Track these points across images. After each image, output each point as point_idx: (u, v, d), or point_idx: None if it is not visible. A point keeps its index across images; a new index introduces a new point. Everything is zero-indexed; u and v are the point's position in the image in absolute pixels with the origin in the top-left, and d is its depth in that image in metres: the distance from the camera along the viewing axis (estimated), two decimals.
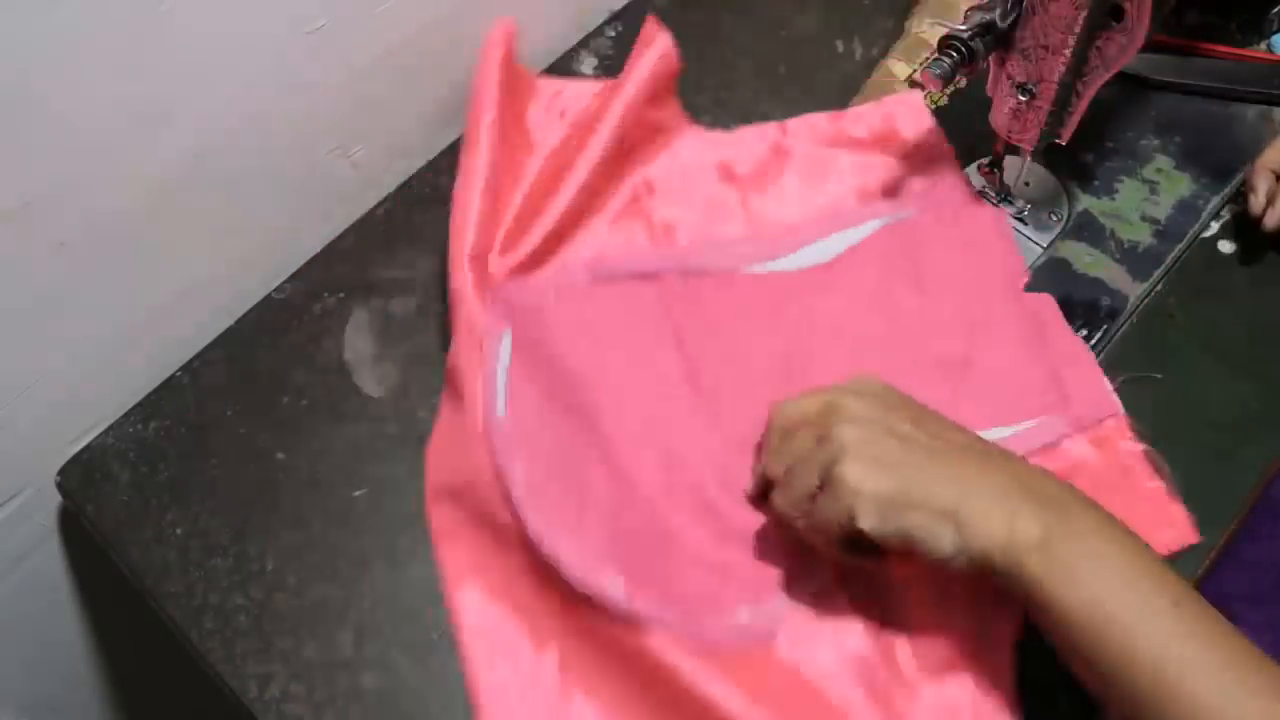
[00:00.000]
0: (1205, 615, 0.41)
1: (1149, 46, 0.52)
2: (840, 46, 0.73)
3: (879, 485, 0.45)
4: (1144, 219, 0.64)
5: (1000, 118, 0.58)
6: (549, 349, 0.59)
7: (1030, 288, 0.62)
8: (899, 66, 0.71)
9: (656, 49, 0.65)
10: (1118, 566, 0.42)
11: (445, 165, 0.67)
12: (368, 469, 0.59)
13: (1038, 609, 0.43)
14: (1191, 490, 0.56)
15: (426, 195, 0.67)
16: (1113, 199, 0.65)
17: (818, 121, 0.67)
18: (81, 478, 0.60)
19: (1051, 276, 0.63)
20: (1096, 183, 0.66)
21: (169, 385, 0.62)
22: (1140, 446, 0.56)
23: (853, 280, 0.61)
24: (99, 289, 0.56)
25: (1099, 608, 0.41)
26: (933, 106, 0.69)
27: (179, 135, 0.53)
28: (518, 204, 0.63)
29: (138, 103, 0.50)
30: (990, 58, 0.56)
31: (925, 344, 0.59)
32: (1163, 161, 0.66)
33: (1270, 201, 0.61)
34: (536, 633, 0.53)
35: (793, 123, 0.67)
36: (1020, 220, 0.64)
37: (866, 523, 0.45)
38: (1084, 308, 0.61)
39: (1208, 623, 0.41)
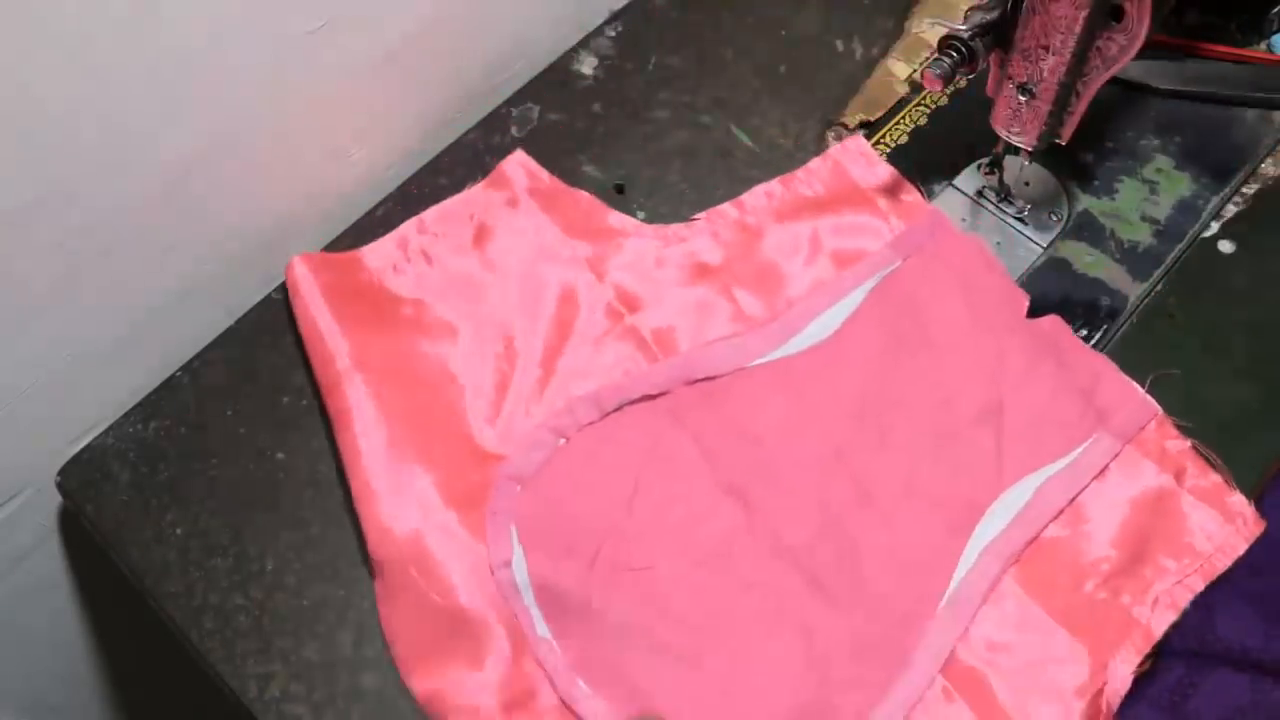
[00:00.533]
0: None
1: (1149, 46, 0.52)
2: (840, 46, 0.73)
3: None
4: (1144, 219, 0.64)
5: (1000, 118, 0.58)
6: (569, 508, 0.56)
7: (1030, 288, 0.62)
8: (899, 66, 0.71)
9: (516, 167, 0.64)
10: None
11: (445, 165, 0.67)
12: None
13: None
14: None
15: (426, 195, 0.67)
16: (1113, 199, 0.65)
17: (772, 189, 0.65)
18: (81, 478, 0.60)
19: (1051, 276, 0.63)
20: (1096, 183, 0.66)
21: (169, 385, 0.62)
22: (1188, 443, 0.56)
23: (862, 351, 0.59)
24: (99, 289, 0.56)
25: None
26: (933, 106, 0.69)
27: (179, 135, 0.53)
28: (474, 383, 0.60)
29: (137, 102, 0.50)
30: (990, 58, 0.56)
31: (953, 401, 0.57)
32: (1163, 161, 0.66)
33: None
34: None
35: (748, 197, 0.65)
36: (1020, 220, 0.65)
37: None
38: (1084, 308, 0.61)
39: None
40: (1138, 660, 0.51)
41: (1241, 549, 0.53)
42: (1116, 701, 0.50)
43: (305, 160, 0.61)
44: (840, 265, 0.62)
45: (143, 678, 0.82)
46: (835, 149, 0.66)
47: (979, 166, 0.66)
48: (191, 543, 0.57)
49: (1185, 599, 0.52)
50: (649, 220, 0.65)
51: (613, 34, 0.73)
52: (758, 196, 0.65)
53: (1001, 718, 0.50)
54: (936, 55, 0.55)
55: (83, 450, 0.60)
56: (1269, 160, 0.66)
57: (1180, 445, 0.56)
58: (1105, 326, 0.61)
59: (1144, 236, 0.64)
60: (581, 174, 0.68)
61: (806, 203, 0.65)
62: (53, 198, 0.50)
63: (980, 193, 0.66)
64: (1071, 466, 0.55)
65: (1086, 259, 0.63)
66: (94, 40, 0.46)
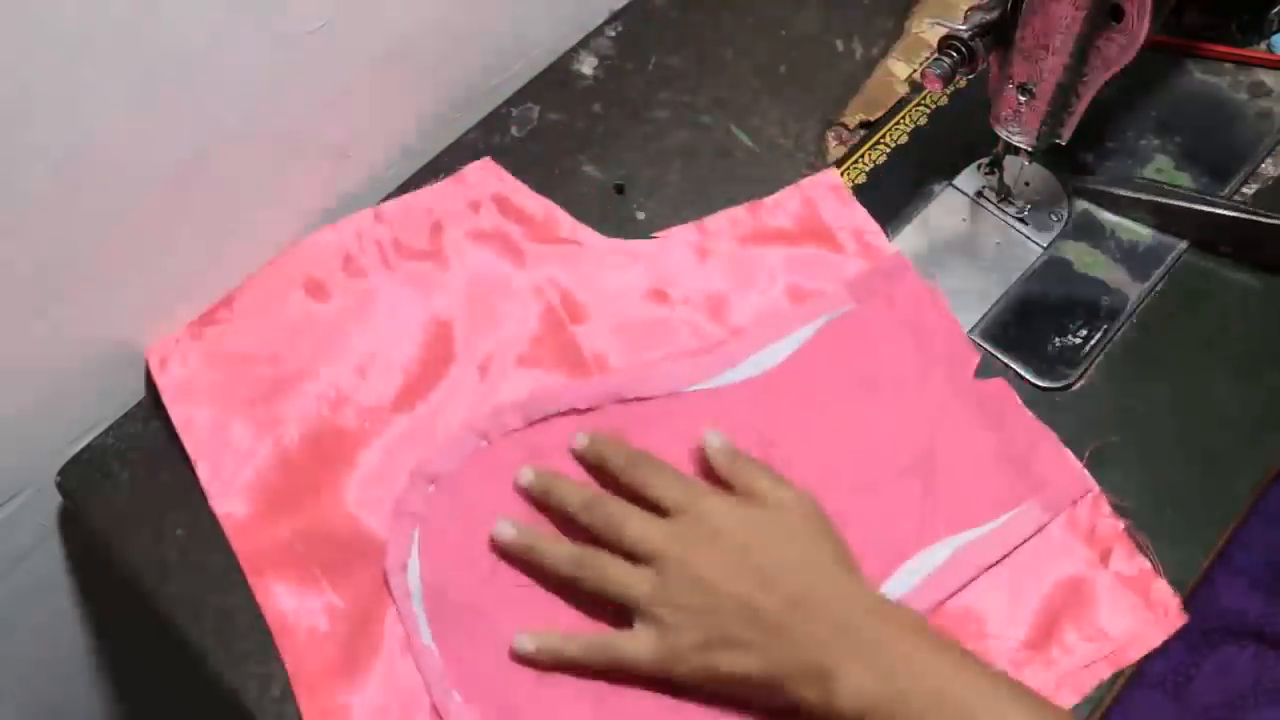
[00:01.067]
0: None
1: (1149, 46, 0.52)
2: (840, 46, 0.73)
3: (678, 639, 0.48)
4: (1145, 226, 0.64)
5: (1000, 118, 0.58)
6: (479, 512, 0.55)
7: (1030, 288, 0.62)
8: (899, 66, 0.71)
9: (482, 172, 0.65)
10: (931, 711, 0.44)
11: (445, 165, 0.67)
12: None
13: None
14: (1191, 491, 0.56)
15: None
16: None
17: (737, 215, 0.64)
18: (81, 478, 0.60)
19: (1051, 276, 0.63)
20: None
21: None
22: (1121, 524, 0.54)
23: (803, 389, 0.58)
24: (100, 289, 0.56)
25: None
26: (933, 106, 0.69)
27: (179, 135, 0.53)
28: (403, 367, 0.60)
29: (137, 103, 0.50)
30: (990, 58, 0.56)
31: (887, 450, 0.56)
32: (1163, 161, 0.66)
33: None
34: None
35: (710, 221, 0.64)
36: (1020, 220, 0.65)
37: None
38: (1084, 308, 0.61)
39: None
40: None
41: (1158, 641, 0.52)
42: None
43: (305, 160, 0.61)
44: (794, 300, 0.61)
45: (143, 678, 0.82)
46: (807, 181, 0.65)
47: (979, 166, 0.66)
48: (191, 543, 0.57)
49: (1090, 684, 0.51)
50: (650, 220, 0.65)
51: (613, 34, 0.73)
52: (720, 221, 0.64)
53: None
54: (936, 55, 0.55)
55: (83, 450, 0.60)
56: (1269, 160, 0.66)
57: (1112, 525, 0.54)
58: (1105, 326, 0.61)
59: (1144, 237, 0.64)
60: (581, 174, 0.68)
61: (770, 233, 0.64)
62: (52, 197, 0.50)
63: (980, 193, 0.66)
64: (995, 532, 0.54)
65: (1086, 259, 0.63)
66: (93, 40, 0.46)
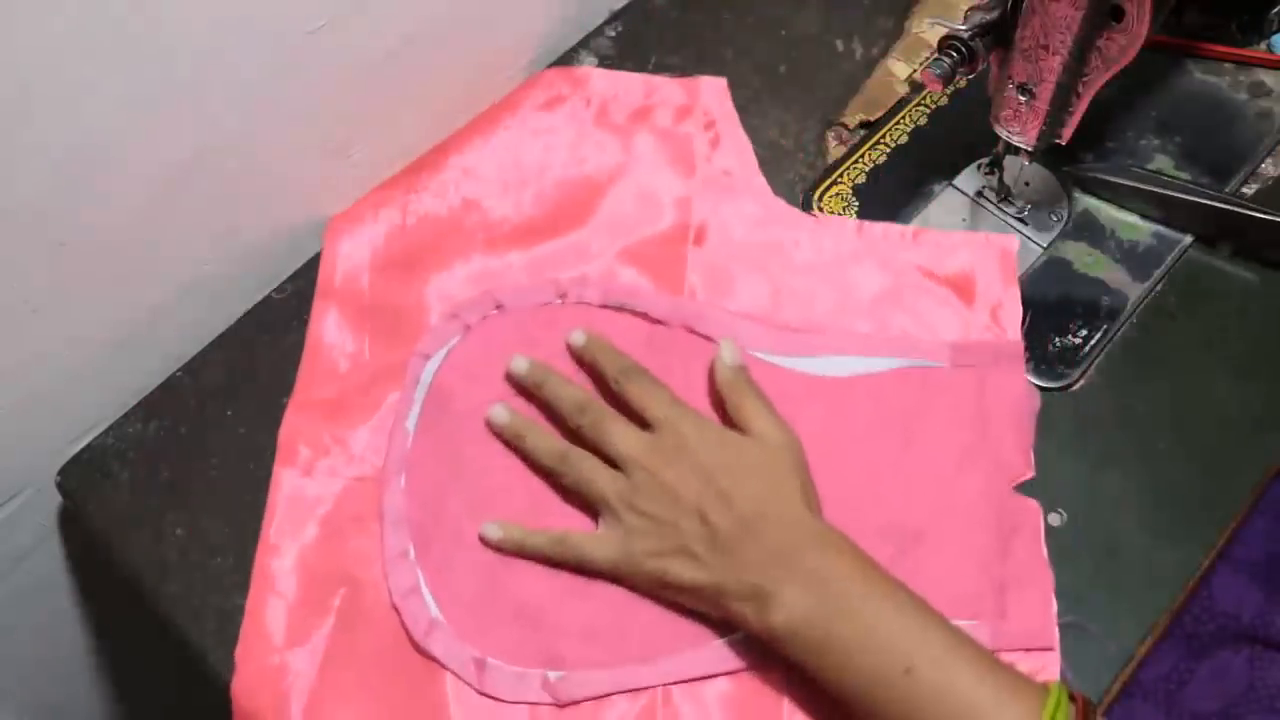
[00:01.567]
0: (941, 680, 0.45)
1: (1149, 46, 0.52)
2: (840, 46, 0.73)
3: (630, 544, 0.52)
4: (1144, 219, 0.64)
5: (1000, 118, 0.58)
6: (518, 350, 0.59)
7: (1030, 288, 0.62)
8: (899, 66, 0.71)
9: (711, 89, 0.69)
10: (858, 643, 0.47)
11: None
12: None
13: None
14: (1191, 490, 0.56)
15: None
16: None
17: (899, 231, 0.63)
18: (81, 478, 0.60)
19: (1051, 276, 0.63)
20: None
21: (169, 385, 0.62)
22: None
23: (847, 410, 0.58)
24: (99, 289, 0.56)
25: (845, 683, 0.47)
26: (933, 106, 0.69)
27: (179, 135, 0.53)
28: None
29: (137, 102, 0.50)
30: (990, 58, 0.56)
31: (887, 503, 0.56)
32: (1163, 161, 0.66)
33: None
34: (309, 618, 0.54)
35: (870, 225, 0.64)
36: (1020, 220, 0.65)
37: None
38: (1084, 308, 0.61)
39: (942, 688, 0.45)
40: None
41: None
42: None
43: (305, 160, 0.61)
44: (899, 334, 0.60)
45: (143, 678, 0.82)
46: (984, 235, 0.63)
47: (979, 166, 0.66)
48: (191, 543, 0.57)
49: None
50: None
51: (613, 34, 0.73)
52: (878, 229, 0.63)
53: None
54: (936, 55, 0.55)
55: (83, 450, 0.60)
56: (1269, 160, 0.66)
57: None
58: (1105, 326, 0.61)
59: (1144, 236, 0.64)
60: None
61: (923, 269, 0.62)
62: (53, 198, 0.50)
63: (980, 193, 0.66)
64: None
65: (1086, 259, 0.63)
66: (94, 40, 0.46)
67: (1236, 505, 0.56)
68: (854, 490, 0.56)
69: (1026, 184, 0.65)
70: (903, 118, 0.69)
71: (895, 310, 0.61)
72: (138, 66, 0.49)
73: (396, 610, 0.53)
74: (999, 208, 0.65)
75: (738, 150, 0.67)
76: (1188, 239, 0.63)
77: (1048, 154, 0.61)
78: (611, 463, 0.53)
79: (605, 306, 0.61)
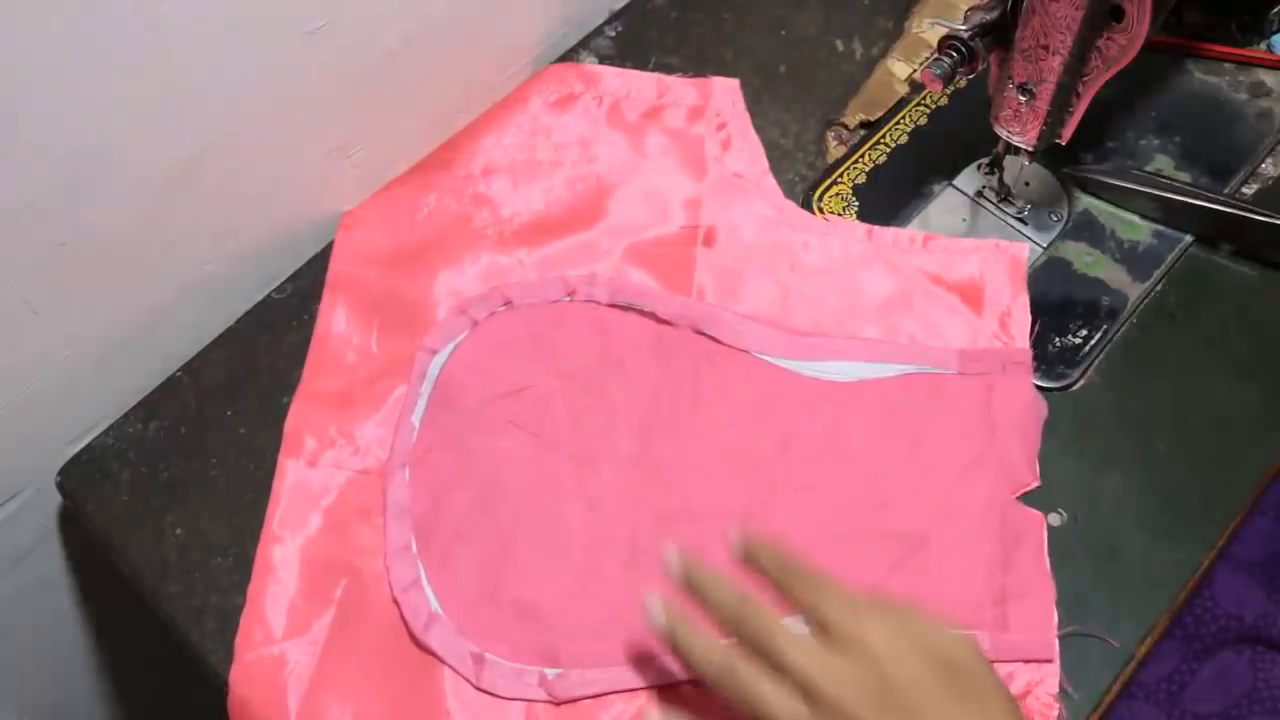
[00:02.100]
0: None
1: (1149, 46, 0.52)
2: (840, 46, 0.73)
3: None
4: (1144, 219, 0.64)
5: (1000, 118, 0.58)
6: (523, 348, 0.60)
7: (1030, 288, 0.62)
8: (899, 66, 0.71)
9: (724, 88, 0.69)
10: None
11: None
12: None
13: None
14: (1191, 490, 0.56)
15: None
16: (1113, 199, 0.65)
17: (909, 236, 0.63)
18: (81, 478, 0.60)
19: (1052, 276, 0.63)
20: None
21: (169, 385, 0.62)
22: (1056, 709, 0.51)
23: (852, 416, 0.58)
24: (99, 289, 0.56)
25: None
26: (933, 106, 0.69)
27: (179, 135, 0.53)
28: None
29: (137, 103, 0.50)
30: (990, 58, 0.56)
31: (891, 509, 0.55)
32: (1163, 161, 0.66)
33: None
34: (309, 609, 0.54)
35: (880, 230, 0.64)
36: (1020, 220, 0.64)
37: None
38: (1084, 308, 0.61)
39: None
40: None
41: None
42: None
43: (305, 160, 0.61)
44: (908, 341, 0.60)
45: (143, 678, 0.82)
46: (994, 242, 0.63)
47: (979, 166, 0.66)
48: (191, 543, 0.57)
49: None
50: None
51: (613, 34, 0.73)
52: (888, 234, 0.63)
53: None
54: (936, 55, 0.55)
55: (83, 450, 0.60)
56: (1269, 160, 0.66)
57: (1048, 705, 0.51)
58: (1105, 326, 0.61)
59: (1144, 236, 0.64)
60: None
61: (930, 274, 0.62)
62: (53, 197, 0.50)
63: (980, 193, 0.66)
64: None
65: (1086, 259, 0.63)
66: (94, 40, 0.46)
67: (1236, 505, 0.56)
68: (860, 495, 0.56)
69: (1026, 184, 0.65)
70: (903, 118, 0.69)
71: (904, 316, 0.61)
72: (138, 66, 0.49)
73: (397, 603, 0.53)
74: (999, 208, 0.65)
75: (749, 152, 0.67)
76: (1188, 239, 0.63)
77: (1048, 154, 0.61)
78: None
79: (614, 305, 0.61)
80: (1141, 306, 0.62)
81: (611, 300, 0.61)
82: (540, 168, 0.66)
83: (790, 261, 0.63)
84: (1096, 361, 0.60)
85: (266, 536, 0.56)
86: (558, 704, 0.51)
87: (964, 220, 0.65)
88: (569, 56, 0.72)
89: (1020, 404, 0.58)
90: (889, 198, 0.66)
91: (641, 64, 0.71)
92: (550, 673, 0.52)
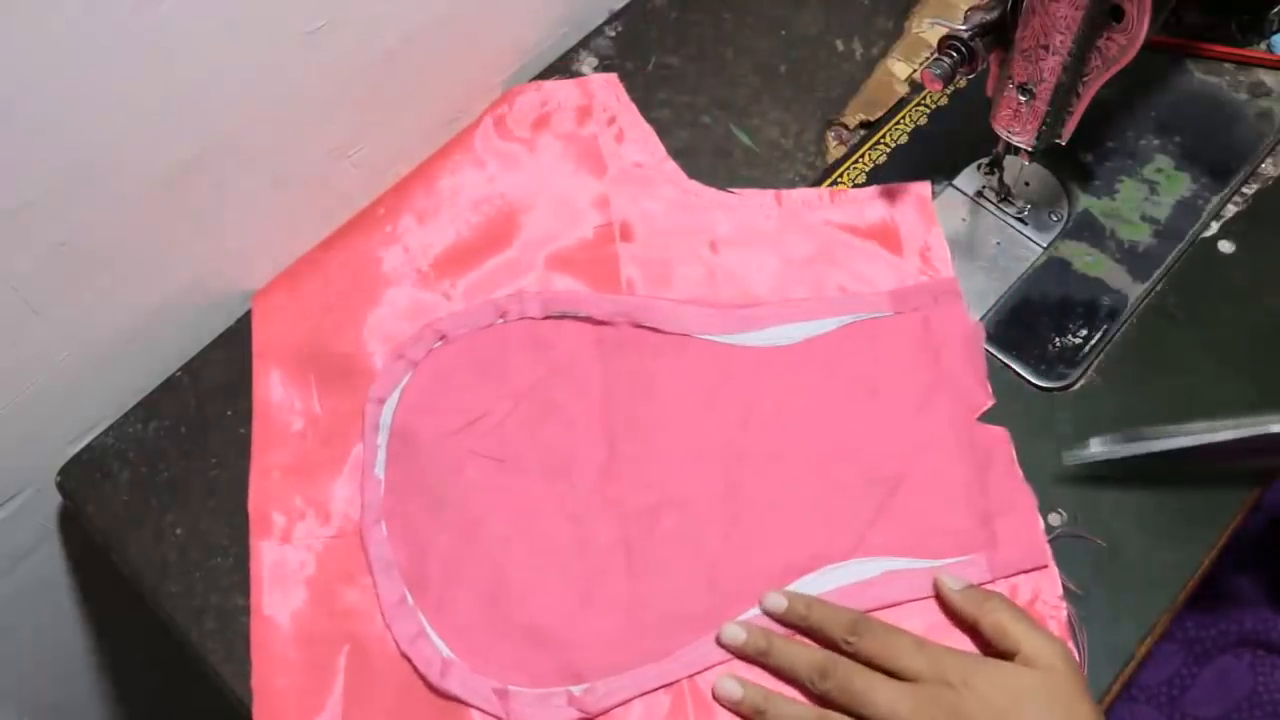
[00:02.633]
0: None
1: (1149, 46, 0.52)
2: (840, 46, 0.73)
3: None
4: (1144, 219, 0.64)
5: (1000, 118, 0.58)
6: (467, 376, 0.59)
7: (1030, 288, 0.62)
8: (899, 66, 0.71)
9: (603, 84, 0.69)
10: None
11: None
12: None
13: None
14: (1192, 490, 0.56)
15: None
16: (1113, 199, 0.65)
17: (817, 195, 0.65)
18: (81, 478, 0.60)
19: (1052, 276, 0.63)
20: (1096, 183, 0.66)
21: (169, 385, 0.62)
22: (1064, 609, 0.52)
23: (806, 373, 0.59)
24: (99, 289, 0.56)
25: None
26: (933, 106, 0.69)
27: (179, 135, 0.53)
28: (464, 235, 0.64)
29: (137, 103, 0.50)
30: (990, 58, 0.56)
31: (861, 457, 0.56)
32: (1163, 161, 0.66)
33: None
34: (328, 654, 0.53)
35: (788, 194, 0.65)
36: (1020, 220, 0.65)
37: None
38: (1084, 308, 0.61)
39: None
40: None
41: None
42: None
43: (305, 160, 0.61)
44: (836, 289, 0.62)
45: (143, 678, 0.82)
46: (898, 185, 0.64)
47: (979, 166, 0.66)
48: (191, 543, 0.57)
49: None
50: None
51: (613, 34, 0.73)
52: (797, 196, 0.65)
53: None
54: (936, 55, 0.55)
55: (83, 450, 0.60)
56: (1269, 160, 0.66)
57: (1055, 607, 0.53)
58: (1105, 326, 0.61)
59: (1144, 236, 0.64)
60: None
61: (844, 226, 0.64)
62: (52, 198, 0.50)
63: (980, 193, 0.66)
64: (929, 571, 0.53)
65: (1086, 259, 0.63)
66: (94, 40, 0.46)
67: (1237, 505, 0.56)
68: (829, 450, 0.57)
69: (1026, 184, 0.65)
70: (903, 118, 0.69)
71: (829, 270, 0.62)
72: (138, 66, 0.49)
73: (406, 657, 0.52)
74: (999, 208, 0.65)
75: (644, 141, 0.67)
76: (1187, 239, 0.63)
77: (1048, 154, 0.61)
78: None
79: (548, 317, 0.61)
80: (1141, 306, 0.62)
81: (545, 313, 0.61)
82: (441, 197, 0.65)
83: (708, 240, 0.64)
84: (1096, 361, 0.60)
85: (258, 622, 0.54)
86: (592, 718, 0.51)
87: (964, 220, 0.65)
88: (569, 56, 0.72)
89: (958, 330, 0.60)
90: None
91: (642, 64, 0.72)
92: (577, 690, 0.51)
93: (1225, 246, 0.64)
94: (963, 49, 0.54)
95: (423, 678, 0.52)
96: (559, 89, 0.69)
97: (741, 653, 0.52)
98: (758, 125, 0.69)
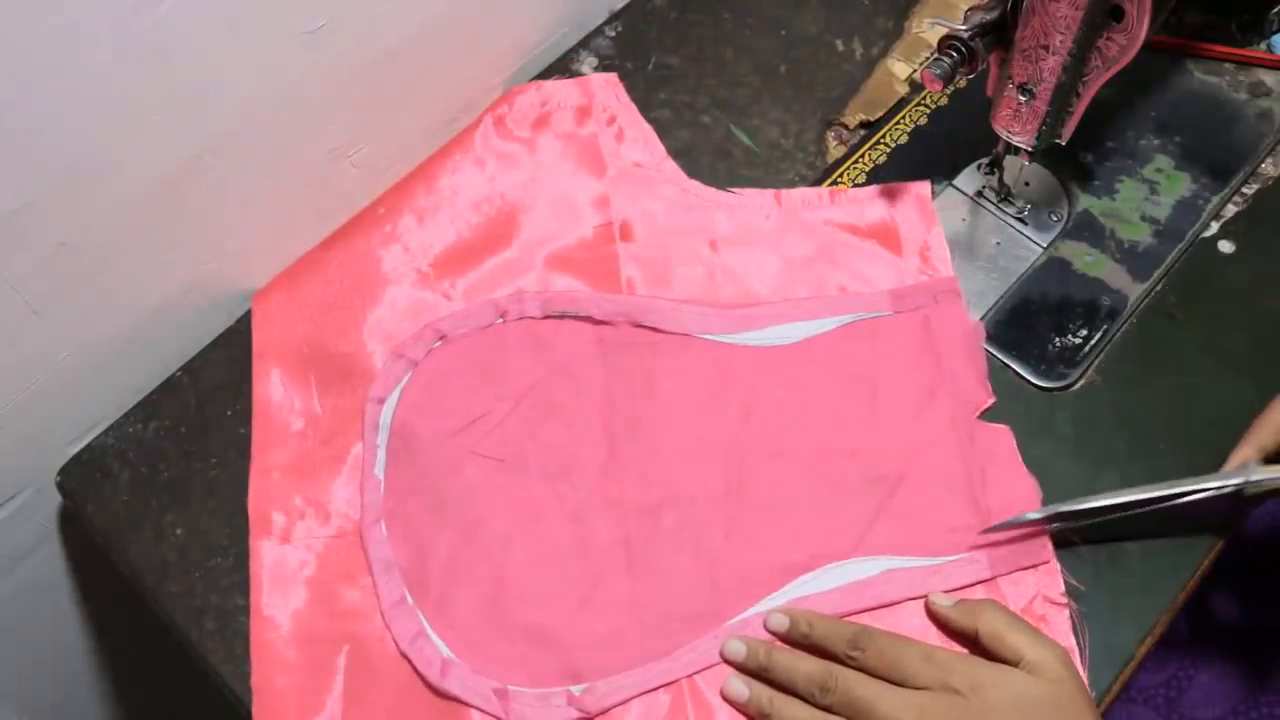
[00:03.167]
0: None
1: (1149, 46, 0.52)
2: (840, 46, 0.73)
3: None
4: (1144, 219, 0.64)
5: (1000, 118, 0.58)
6: (469, 377, 0.59)
7: (1030, 288, 0.62)
8: (899, 66, 0.71)
9: (603, 85, 0.69)
10: None
11: None
12: None
13: None
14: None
15: None
16: (1113, 199, 0.65)
17: (816, 194, 0.65)
18: (81, 478, 0.60)
19: (1051, 276, 0.63)
20: (1096, 183, 0.66)
21: (169, 385, 0.62)
22: (1066, 607, 0.52)
23: (805, 372, 0.59)
24: (99, 289, 0.56)
25: None
26: (933, 106, 0.69)
27: (179, 135, 0.53)
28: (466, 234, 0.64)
29: (137, 103, 0.50)
30: (990, 58, 0.56)
31: (861, 456, 0.56)
32: (1163, 161, 0.66)
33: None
34: (327, 657, 0.53)
35: (788, 193, 0.65)
36: (1020, 220, 0.65)
37: None
38: (1084, 308, 0.61)
39: None
40: None
41: None
42: None
43: (305, 160, 0.61)
44: (836, 289, 0.62)
45: (143, 678, 0.82)
46: (897, 184, 0.65)
47: (979, 166, 0.66)
48: (191, 543, 0.57)
49: None
50: None
51: (613, 34, 0.73)
52: (796, 195, 0.65)
53: None
54: (936, 55, 0.55)
55: (83, 450, 0.60)
56: (1269, 160, 0.66)
57: (1057, 604, 0.53)
58: (1105, 326, 0.61)
59: (1144, 236, 0.64)
60: None
61: (844, 225, 0.64)
62: (52, 198, 0.50)
63: (980, 193, 0.66)
64: (930, 569, 0.53)
65: (1086, 259, 0.63)
66: (94, 40, 0.46)
67: (1236, 507, 0.56)
68: (830, 449, 0.57)
69: (1026, 184, 0.65)
70: (903, 118, 0.69)
71: (829, 270, 0.62)
72: (138, 66, 0.49)
73: (406, 657, 0.52)
74: (999, 208, 0.65)
75: (643, 140, 0.67)
76: (1187, 239, 0.63)
77: (1048, 154, 0.61)
78: None
79: (548, 317, 0.61)
80: (1141, 306, 0.62)
81: (545, 312, 0.61)
82: (441, 197, 0.66)
83: (708, 239, 0.64)
84: (1096, 361, 0.60)
85: (258, 622, 0.54)
86: (592, 718, 0.51)
87: (964, 220, 0.65)
88: (569, 56, 0.72)
89: (958, 329, 0.60)
90: None
91: (642, 64, 0.72)
92: (577, 689, 0.51)
93: (1225, 246, 0.64)
94: (963, 49, 0.54)
95: (423, 678, 0.52)
96: (559, 89, 0.69)
97: (743, 667, 0.52)
98: (758, 125, 0.69)
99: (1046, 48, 0.53)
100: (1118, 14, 0.50)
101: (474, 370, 0.60)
